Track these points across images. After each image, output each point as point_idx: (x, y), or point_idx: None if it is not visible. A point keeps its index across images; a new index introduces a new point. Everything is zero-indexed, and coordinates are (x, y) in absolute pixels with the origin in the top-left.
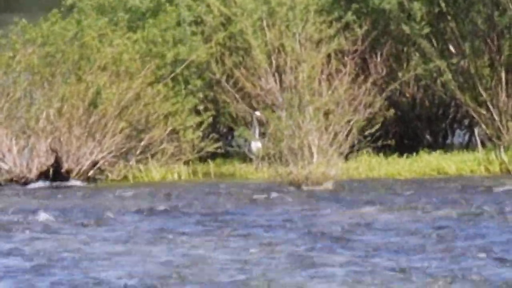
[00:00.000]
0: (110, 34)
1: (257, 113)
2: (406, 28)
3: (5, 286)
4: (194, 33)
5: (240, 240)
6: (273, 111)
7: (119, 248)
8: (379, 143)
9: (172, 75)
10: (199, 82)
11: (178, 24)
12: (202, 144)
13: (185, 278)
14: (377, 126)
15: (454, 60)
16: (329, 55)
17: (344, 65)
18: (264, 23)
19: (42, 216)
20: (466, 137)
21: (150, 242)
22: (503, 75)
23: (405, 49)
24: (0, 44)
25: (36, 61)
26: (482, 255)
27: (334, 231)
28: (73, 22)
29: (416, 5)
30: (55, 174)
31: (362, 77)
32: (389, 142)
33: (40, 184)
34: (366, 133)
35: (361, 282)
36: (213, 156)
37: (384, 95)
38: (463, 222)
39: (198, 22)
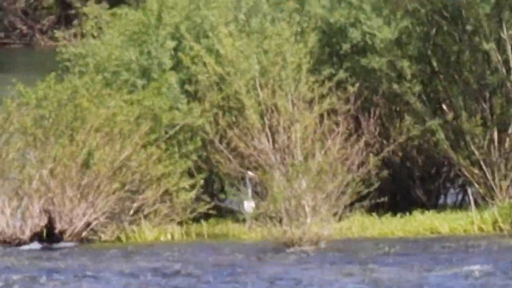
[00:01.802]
0: (106, 95)
1: (250, 173)
2: (396, 87)
3: None
4: (188, 94)
5: None
6: (266, 171)
7: None
8: (372, 202)
9: (166, 136)
10: (192, 146)
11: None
12: (195, 205)
13: None
14: (371, 188)
15: (447, 119)
16: (321, 115)
17: (337, 125)
18: (257, 83)
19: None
20: (459, 196)
21: None
22: (495, 134)
23: (397, 108)
24: None
25: (30, 123)
26: None
27: None
28: (69, 85)
29: (405, 64)
30: (49, 235)
31: (355, 136)
32: (382, 200)
33: (34, 245)
34: (360, 193)
35: None
36: (206, 216)
37: (378, 157)
38: (455, 281)
39: (192, 81)
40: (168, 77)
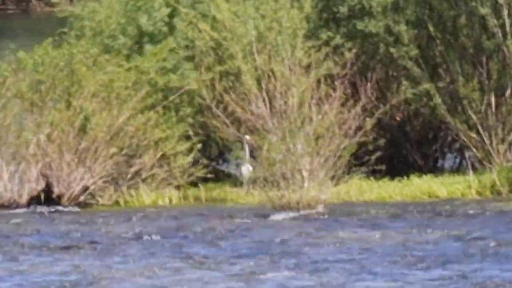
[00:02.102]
0: (102, 61)
1: (247, 137)
2: (393, 51)
3: None
4: (187, 59)
5: (229, 266)
6: (263, 136)
7: (100, 273)
8: (370, 167)
9: (164, 103)
10: (189, 109)
11: (171, 50)
12: (193, 169)
13: None
14: (367, 149)
15: (444, 84)
16: (318, 80)
17: (334, 89)
18: (254, 48)
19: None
20: (457, 161)
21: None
22: (492, 98)
23: (394, 73)
24: None
25: (26, 88)
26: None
27: (323, 253)
28: (65, 51)
29: (402, 28)
30: (46, 199)
31: (352, 101)
32: (380, 166)
33: (31, 209)
34: (357, 157)
35: None
36: (204, 180)
37: (374, 119)
38: (450, 245)
39: (189, 47)
40: (167, 42)
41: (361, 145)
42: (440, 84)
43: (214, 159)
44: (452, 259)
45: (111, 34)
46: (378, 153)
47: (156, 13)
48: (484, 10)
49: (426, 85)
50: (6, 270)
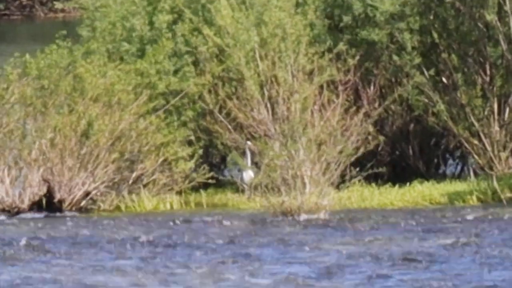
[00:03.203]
0: (103, 65)
1: (249, 143)
2: (397, 59)
3: None
4: (187, 64)
5: (231, 271)
6: (266, 142)
7: (99, 278)
8: (371, 173)
9: (166, 107)
10: (191, 113)
11: (174, 54)
12: (194, 174)
13: None
14: (368, 151)
15: (447, 91)
16: (321, 86)
17: (337, 96)
18: (257, 54)
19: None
20: (459, 167)
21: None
22: (495, 105)
23: (397, 80)
24: None
25: (30, 93)
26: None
27: (326, 260)
28: (65, 54)
29: (406, 36)
30: (48, 204)
31: (354, 108)
32: (381, 170)
33: (33, 214)
34: (359, 163)
35: None
36: (206, 185)
37: (373, 122)
38: (451, 251)
39: (192, 52)
40: (166, 45)
41: (361, 151)
42: (443, 91)
43: (216, 165)
44: (451, 264)
45: (118, 39)
46: (377, 159)
47: (160, 18)
48: (489, 17)
49: (430, 93)
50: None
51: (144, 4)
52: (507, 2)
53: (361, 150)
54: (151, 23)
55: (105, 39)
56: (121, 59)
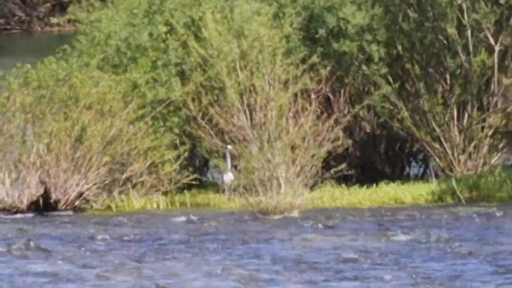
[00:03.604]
0: (96, 75)
1: (229, 147)
2: (365, 69)
3: None
4: (177, 74)
5: (208, 265)
6: (245, 146)
7: (92, 272)
8: (342, 174)
9: (152, 114)
10: (176, 120)
11: (164, 65)
12: (179, 176)
13: None
14: (338, 154)
15: (410, 99)
16: (295, 94)
17: (310, 104)
18: (237, 65)
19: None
20: (421, 169)
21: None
22: (454, 112)
23: (365, 89)
24: None
25: (29, 101)
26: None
27: (293, 254)
28: (63, 64)
29: (374, 47)
30: (44, 204)
31: (326, 114)
32: (350, 173)
33: (30, 213)
34: (330, 166)
35: None
36: (189, 187)
37: (342, 128)
38: (415, 247)
39: (179, 63)
40: (149, 54)
41: (332, 155)
42: (407, 99)
43: (199, 168)
44: (413, 258)
45: (115, 48)
46: (347, 161)
47: (155, 30)
48: (449, 30)
49: (395, 101)
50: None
51: (142, 15)
52: (465, 17)
53: (332, 154)
54: (150, 34)
55: (102, 49)
56: (114, 67)
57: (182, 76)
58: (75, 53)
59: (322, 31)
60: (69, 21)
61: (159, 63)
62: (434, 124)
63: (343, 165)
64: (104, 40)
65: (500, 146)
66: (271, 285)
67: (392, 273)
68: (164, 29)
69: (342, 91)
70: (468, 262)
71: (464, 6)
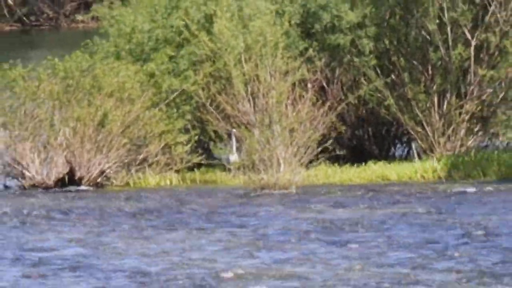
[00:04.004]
0: (116, 66)
1: (234, 130)
2: (356, 60)
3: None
4: (188, 68)
5: (218, 234)
6: (248, 129)
7: (111, 240)
8: (334, 155)
9: (166, 101)
10: (187, 107)
11: (180, 57)
12: (190, 156)
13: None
14: (331, 140)
15: (396, 88)
16: (294, 84)
17: (306, 92)
18: (243, 57)
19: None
20: (405, 150)
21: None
22: (435, 99)
23: (356, 78)
24: (29, 76)
25: (57, 90)
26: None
27: (289, 224)
28: (88, 58)
29: (364, 42)
30: (70, 181)
31: (321, 102)
32: (342, 153)
33: (57, 189)
34: (324, 146)
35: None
36: (199, 165)
37: (336, 114)
38: (398, 219)
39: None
40: (165, 51)
41: (326, 136)
42: (393, 88)
43: (207, 149)
44: (397, 230)
45: (137, 42)
46: (340, 143)
47: (174, 24)
48: (431, 27)
49: (383, 90)
50: (33, 237)
51: (163, 11)
52: (446, 15)
53: (326, 137)
54: (170, 27)
55: (127, 41)
56: (136, 57)
57: (194, 66)
58: (100, 45)
59: (317, 27)
60: (92, 18)
61: (182, 52)
62: (417, 110)
63: (335, 147)
64: (129, 33)
65: (476, 130)
66: (271, 250)
67: (376, 239)
68: (181, 23)
69: (335, 81)
70: (443, 230)
71: (444, 5)
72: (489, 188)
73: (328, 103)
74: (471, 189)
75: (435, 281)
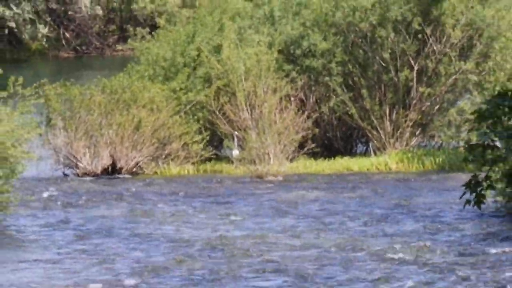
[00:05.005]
0: (148, 85)
1: (236, 133)
2: (327, 79)
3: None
4: (201, 83)
5: (221, 209)
6: (247, 132)
7: (144, 219)
8: (311, 151)
9: (185, 110)
10: (201, 114)
11: (196, 77)
12: (203, 152)
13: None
14: (309, 140)
15: (357, 101)
16: (281, 98)
17: (290, 104)
18: (243, 77)
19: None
20: (364, 148)
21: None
22: (387, 110)
23: (327, 94)
24: (84, 92)
25: (104, 102)
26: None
27: (276, 205)
28: (127, 78)
29: (333, 65)
30: (112, 170)
31: (301, 111)
32: (317, 150)
33: (102, 176)
34: (303, 145)
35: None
36: (210, 159)
37: (312, 120)
38: (357, 200)
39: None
40: (184, 72)
41: (305, 137)
42: (356, 101)
43: (216, 146)
44: (355, 207)
45: (161, 65)
46: (315, 142)
47: (190, 51)
48: (385, 55)
49: (348, 103)
50: (82, 214)
51: (183, 40)
52: (396, 47)
53: (305, 137)
54: (187, 55)
55: (153, 66)
56: (165, 77)
57: (206, 83)
58: (136, 69)
59: (298, 52)
60: (129, 48)
61: (198, 73)
62: (373, 118)
63: (312, 145)
64: (154, 60)
65: (417, 133)
66: (259, 225)
67: (340, 218)
68: (195, 53)
69: (311, 95)
70: (391, 210)
71: (396, 40)
72: (427, 177)
73: (306, 113)
74: (412, 177)
75: (371, 241)
